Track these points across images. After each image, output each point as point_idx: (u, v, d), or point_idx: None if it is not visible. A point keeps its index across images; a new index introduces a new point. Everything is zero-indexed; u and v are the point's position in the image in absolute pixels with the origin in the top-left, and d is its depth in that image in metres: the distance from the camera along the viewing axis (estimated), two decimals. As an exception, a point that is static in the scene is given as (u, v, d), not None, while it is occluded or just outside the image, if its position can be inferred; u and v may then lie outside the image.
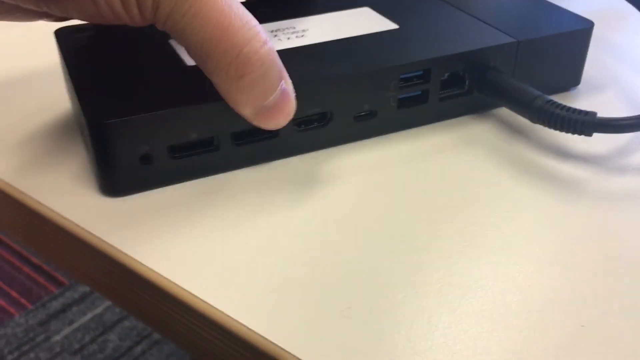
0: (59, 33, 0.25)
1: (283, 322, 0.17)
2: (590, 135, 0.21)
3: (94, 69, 0.22)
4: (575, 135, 0.22)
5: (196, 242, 0.19)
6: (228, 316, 0.17)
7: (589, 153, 0.23)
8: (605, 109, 0.25)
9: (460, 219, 0.20)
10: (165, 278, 0.18)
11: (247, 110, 0.20)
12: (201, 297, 0.17)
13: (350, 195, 0.21)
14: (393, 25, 0.25)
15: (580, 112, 0.21)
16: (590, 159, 0.22)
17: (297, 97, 0.21)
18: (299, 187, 0.21)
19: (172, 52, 0.23)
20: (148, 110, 0.20)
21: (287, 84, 0.20)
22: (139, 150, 0.20)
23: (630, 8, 0.32)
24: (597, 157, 0.23)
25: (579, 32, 0.25)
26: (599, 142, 0.23)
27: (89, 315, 0.92)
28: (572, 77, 0.26)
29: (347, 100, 0.22)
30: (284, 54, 0.23)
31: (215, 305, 0.17)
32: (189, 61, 0.23)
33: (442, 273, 0.18)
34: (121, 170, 0.20)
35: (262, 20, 0.26)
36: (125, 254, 0.18)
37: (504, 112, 0.25)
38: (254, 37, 0.19)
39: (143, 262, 0.18)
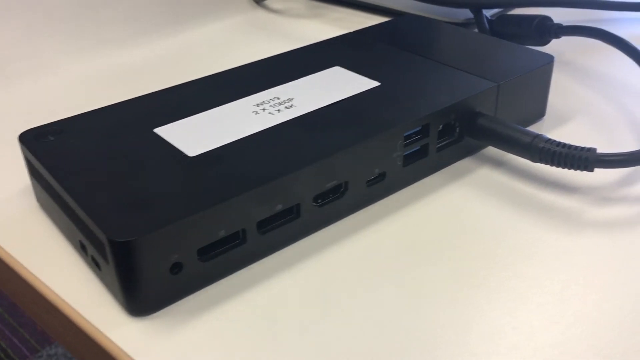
0: (24, 139, 0.22)
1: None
2: (591, 170, 0.22)
3: (86, 176, 0.20)
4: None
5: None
6: None
7: (588, 185, 0.24)
8: (574, 138, 0.27)
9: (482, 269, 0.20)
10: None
11: None
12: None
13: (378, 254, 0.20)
14: (374, 83, 0.25)
15: (581, 149, 0.22)
16: (589, 191, 0.24)
17: (317, 172, 0.21)
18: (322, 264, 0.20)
19: (163, 142, 0.22)
20: (176, 218, 0.18)
21: None
22: (169, 260, 0.18)
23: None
24: (595, 189, 0.24)
25: (544, 67, 0.27)
26: (597, 175, 0.24)
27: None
28: (539, 110, 0.28)
29: (361, 167, 0.22)
30: (283, 127, 0.22)
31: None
32: (189, 151, 0.21)
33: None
34: (151, 285, 0.18)
35: (238, 94, 0.25)
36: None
37: (493, 151, 0.26)
38: None
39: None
